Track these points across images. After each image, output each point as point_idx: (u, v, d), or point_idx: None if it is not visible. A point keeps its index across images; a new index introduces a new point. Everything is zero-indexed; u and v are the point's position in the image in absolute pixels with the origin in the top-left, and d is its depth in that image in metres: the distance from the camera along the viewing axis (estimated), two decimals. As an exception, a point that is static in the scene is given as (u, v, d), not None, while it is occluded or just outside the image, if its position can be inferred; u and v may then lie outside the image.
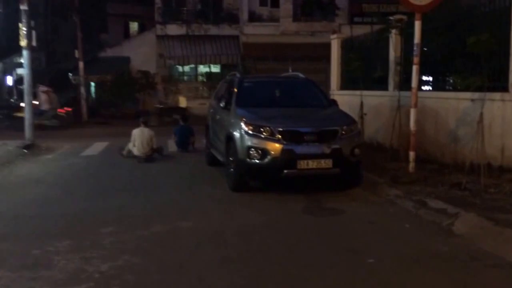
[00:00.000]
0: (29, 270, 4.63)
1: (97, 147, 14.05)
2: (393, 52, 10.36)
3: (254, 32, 25.61)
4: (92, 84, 27.77)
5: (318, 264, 4.74)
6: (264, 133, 7.35)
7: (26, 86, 14.90)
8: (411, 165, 7.92)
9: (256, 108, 8.14)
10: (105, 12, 31.50)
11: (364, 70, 10.86)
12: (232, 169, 7.84)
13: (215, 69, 27.13)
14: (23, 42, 14.28)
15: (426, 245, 5.21)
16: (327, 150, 7.27)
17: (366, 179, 8.14)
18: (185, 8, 25.81)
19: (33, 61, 33.11)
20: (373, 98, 10.93)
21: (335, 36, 14.52)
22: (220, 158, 9.00)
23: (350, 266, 4.68)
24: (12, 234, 5.77)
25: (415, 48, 7.72)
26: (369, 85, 11.13)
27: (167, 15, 25.45)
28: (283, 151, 7.20)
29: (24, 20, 14.18)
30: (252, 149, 7.33)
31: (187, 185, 8.54)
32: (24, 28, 14.19)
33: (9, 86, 36.34)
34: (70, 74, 26.40)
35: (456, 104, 8.25)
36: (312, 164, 7.22)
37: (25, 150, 13.14)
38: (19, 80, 34.18)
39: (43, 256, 5.00)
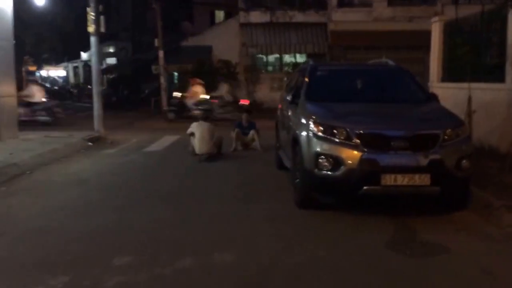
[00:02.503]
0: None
1: (164, 142, 12.98)
2: (514, 33, 8.13)
3: (343, 19, 23.48)
4: (175, 74, 27.15)
5: None
6: (338, 136, 5.61)
7: (94, 75, 14.14)
8: (544, 185, 5.81)
9: (330, 103, 6.42)
10: (191, 1, 30.81)
11: (473, 57, 8.73)
12: (298, 180, 6.20)
13: (301, 59, 25.32)
14: (91, 28, 13.50)
15: None
16: (423, 162, 5.41)
17: (477, 199, 6.16)
18: (269, -6, 24.25)
19: (120, 50, 33.77)
20: (484, 92, 8.77)
21: (436, 18, 12.30)
22: (286, 163, 7.39)
23: None
24: (8, 260, 4.57)
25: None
26: (480, 75, 8.97)
27: (250, 1, 24.03)
28: (362, 161, 5.43)
29: (92, 5, 13.37)
30: (322, 157, 5.62)
31: (243, 196, 6.99)
32: (92, 13, 13.39)
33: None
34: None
35: None
36: (401, 179, 5.39)
37: (90, 143, 12.38)
38: (107, 70, 34.74)
39: (24, 301, 3.72)
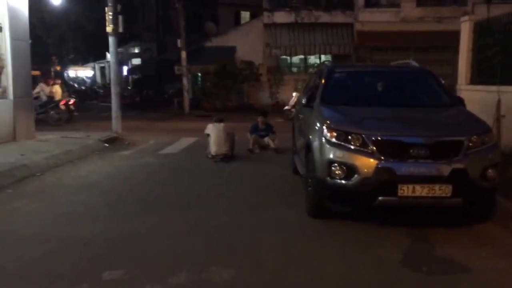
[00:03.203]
0: None
1: (181, 144, 12.75)
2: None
3: (370, 19, 22.95)
4: (200, 75, 27.00)
5: None
6: (352, 143, 5.22)
7: (112, 76, 14.01)
8: None
9: (347, 107, 6.02)
10: (216, 1, 30.68)
11: (505, 58, 8.20)
12: (310, 188, 5.82)
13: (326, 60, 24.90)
14: (109, 28, 13.35)
15: None
16: (445, 171, 4.98)
17: (502, 210, 5.71)
18: (294, -6, 23.83)
19: (144, 51, 33.86)
20: (515, 96, 8.23)
21: (466, 18, 11.75)
22: (300, 169, 7.01)
23: None
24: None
25: None
26: (510, 78, 8.44)
27: (275, 1, 23.65)
28: (377, 169, 5.02)
29: (110, 4, 13.22)
30: (335, 165, 5.23)
31: (254, 202, 6.64)
32: (110, 13, 13.24)
33: (125, 76, 37.17)
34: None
35: None
36: (420, 190, 4.96)
37: (106, 144, 12.22)
38: (132, 70, 34.86)
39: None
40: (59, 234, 5.28)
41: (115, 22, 13.28)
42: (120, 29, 13.46)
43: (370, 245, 4.92)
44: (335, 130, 5.35)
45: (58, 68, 30.28)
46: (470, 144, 5.14)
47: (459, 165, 5.01)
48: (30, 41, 12.45)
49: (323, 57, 24.73)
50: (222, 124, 9.94)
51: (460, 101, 6.45)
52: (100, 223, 5.67)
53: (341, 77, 6.96)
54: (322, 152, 5.39)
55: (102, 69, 41.75)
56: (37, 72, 36.48)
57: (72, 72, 44.07)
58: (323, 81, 6.65)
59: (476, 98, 9.07)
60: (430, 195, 4.97)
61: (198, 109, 23.54)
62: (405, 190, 4.96)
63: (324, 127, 5.47)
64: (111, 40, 13.62)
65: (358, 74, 7.31)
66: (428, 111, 6.14)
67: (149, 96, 29.26)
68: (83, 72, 45.34)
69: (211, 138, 9.83)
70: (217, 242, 5.02)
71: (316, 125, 5.76)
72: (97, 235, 5.21)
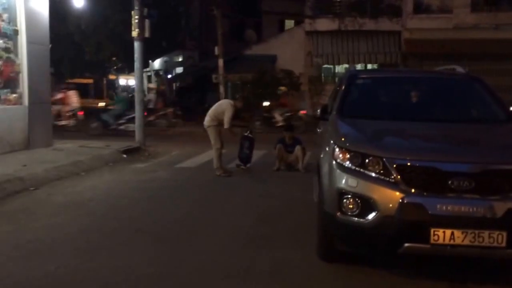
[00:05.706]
0: None
1: (204, 157, 11.75)
2: None
3: (419, 26, 21.31)
4: (239, 83, 26.06)
5: None
6: (370, 168, 3.98)
7: (136, 83, 13.23)
8: None
9: (369, 121, 4.77)
10: (260, 9, 29.77)
11: None
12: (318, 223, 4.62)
13: (373, 69, 23.41)
14: (134, 33, 12.57)
15: None
16: (497, 211, 3.66)
17: None
18: (338, 0, 22.43)
19: (187, 59, 33.20)
20: None
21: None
22: (314, 197, 5.79)
23: None
24: None
25: None
26: None
27: (318, 8, 22.40)
28: (402, 206, 3.75)
29: (136, 8, 12.44)
30: (347, 196, 4.01)
31: (258, 235, 5.46)
32: (136, 17, 12.46)
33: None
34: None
35: None
36: (462, 237, 3.66)
37: (124, 155, 11.39)
38: (172, 79, 34.38)
39: None
40: (6, 270, 4.30)
41: (141, 26, 12.47)
42: (147, 34, 12.64)
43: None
44: (349, 151, 4.12)
45: (111, 76, 30.42)
46: (532, 175, 3.80)
47: (517, 204, 3.68)
48: (50, 45, 11.85)
49: (369, 66, 23.25)
50: (227, 100, 10.07)
51: (519, 117, 5.07)
52: (59, 258, 4.65)
53: (366, 84, 5.69)
54: (331, 178, 4.18)
55: (149, 78, 41.62)
56: (90, 80, 36.58)
57: (123, 81, 44.09)
58: (343, 88, 5.43)
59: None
60: (475, 244, 3.66)
61: (237, 119, 22.50)
62: (441, 236, 3.67)
63: (336, 147, 4.25)
64: (136, 45, 12.83)
65: (387, 81, 5.94)
66: (475, 129, 4.80)
67: (189, 106, 28.48)
68: (134, 81, 45.22)
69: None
70: (193, 290, 3.91)
71: (327, 143, 4.55)
72: (45, 276, 4.18)
